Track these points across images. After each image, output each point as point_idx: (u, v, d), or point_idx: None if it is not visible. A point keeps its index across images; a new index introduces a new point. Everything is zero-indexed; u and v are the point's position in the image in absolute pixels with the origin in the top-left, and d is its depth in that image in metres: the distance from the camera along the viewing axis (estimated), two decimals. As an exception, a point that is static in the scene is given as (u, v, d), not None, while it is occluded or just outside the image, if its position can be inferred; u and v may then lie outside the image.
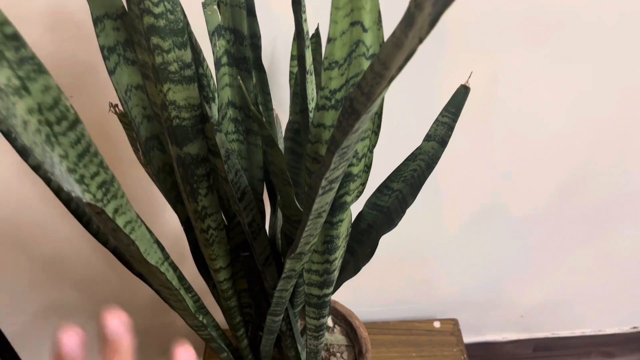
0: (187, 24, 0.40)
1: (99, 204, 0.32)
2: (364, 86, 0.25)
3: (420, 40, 0.19)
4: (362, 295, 0.93)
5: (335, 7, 0.33)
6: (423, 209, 0.79)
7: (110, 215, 0.33)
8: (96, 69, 0.62)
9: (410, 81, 0.65)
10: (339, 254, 0.49)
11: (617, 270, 0.95)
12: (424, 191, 0.49)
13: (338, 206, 0.45)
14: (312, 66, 0.41)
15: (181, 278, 0.48)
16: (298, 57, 0.40)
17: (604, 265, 0.94)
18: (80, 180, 0.30)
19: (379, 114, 0.43)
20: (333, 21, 0.33)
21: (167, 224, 0.79)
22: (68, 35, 0.59)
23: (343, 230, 0.47)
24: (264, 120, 0.48)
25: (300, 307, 0.60)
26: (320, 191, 0.34)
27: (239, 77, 0.46)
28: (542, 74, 0.66)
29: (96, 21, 0.39)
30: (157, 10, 0.36)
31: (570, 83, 0.68)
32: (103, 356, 0.26)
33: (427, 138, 0.48)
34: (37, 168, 0.38)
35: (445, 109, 0.47)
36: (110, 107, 0.44)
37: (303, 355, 0.63)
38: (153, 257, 0.40)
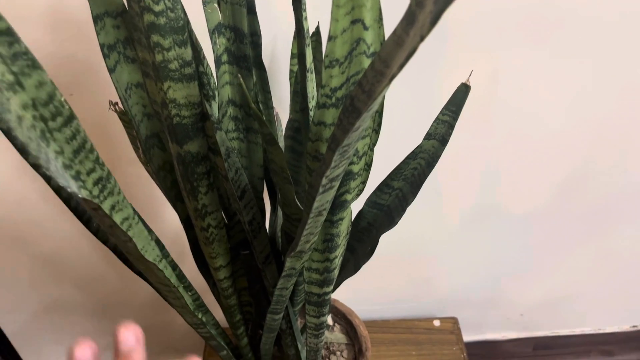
0: (188, 22, 0.40)
1: (96, 201, 0.32)
2: (364, 84, 0.25)
3: (422, 38, 0.19)
4: (362, 294, 0.93)
5: (336, 5, 0.33)
6: (423, 208, 0.79)
7: (107, 212, 0.33)
8: (96, 67, 0.62)
9: (411, 79, 0.65)
10: (339, 252, 0.49)
11: (617, 269, 0.95)
12: (424, 190, 0.49)
13: (338, 204, 0.45)
14: (313, 64, 0.41)
15: (181, 276, 0.48)
16: (298, 55, 0.40)
17: (604, 264, 0.94)
18: (77, 177, 0.30)
19: (379, 112, 0.43)
20: (334, 19, 0.33)
21: (167, 223, 0.79)
22: (68, 34, 0.59)
23: (343, 228, 0.47)
24: (264, 118, 0.48)
25: (301, 306, 0.60)
26: (320, 189, 0.34)
27: (239, 75, 0.46)
28: (542, 73, 0.66)
29: (96, 19, 0.39)
30: (157, 8, 0.36)
31: (570, 82, 0.68)
32: None
33: (428, 136, 0.48)
34: (38, 166, 0.38)
35: (446, 107, 0.47)
36: (110, 105, 0.44)
37: (303, 354, 0.63)
38: (151, 254, 0.40)
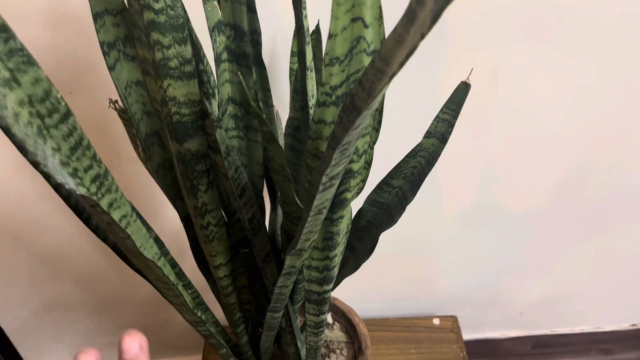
0: (188, 20, 0.40)
1: (94, 198, 0.32)
2: (365, 82, 0.25)
3: (422, 36, 0.19)
4: (362, 292, 0.93)
5: (336, 3, 0.33)
6: (423, 206, 0.79)
7: (105, 209, 0.33)
8: (96, 65, 0.62)
9: (411, 78, 0.65)
10: (339, 250, 0.49)
11: (616, 268, 0.95)
12: (423, 188, 0.49)
13: (338, 203, 0.45)
14: (313, 63, 0.41)
15: (180, 274, 0.48)
16: (298, 53, 0.40)
17: (603, 263, 0.94)
18: (74, 174, 0.30)
19: (379, 111, 0.43)
20: (334, 17, 0.33)
21: (167, 221, 0.79)
22: (68, 32, 0.59)
23: (343, 226, 0.47)
24: (264, 116, 0.48)
25: (300, 304, 0.60)
26: (320, 188, 0.33)
27: (239, 74, 0.46)
28: (542, 72, 0.66)
29: (96, 17, 0.39)
30: (157, 5, 0.36)
31: (571, 80, 0.68)
32: None
33: (428, 135, 0.48)
34: (36, 164, 0.38)
35: (446, 105, 0.47)
36: (110, 103, 0.44)
37: (303, 352, 0.63)
38: (149, 252, 0.40)
